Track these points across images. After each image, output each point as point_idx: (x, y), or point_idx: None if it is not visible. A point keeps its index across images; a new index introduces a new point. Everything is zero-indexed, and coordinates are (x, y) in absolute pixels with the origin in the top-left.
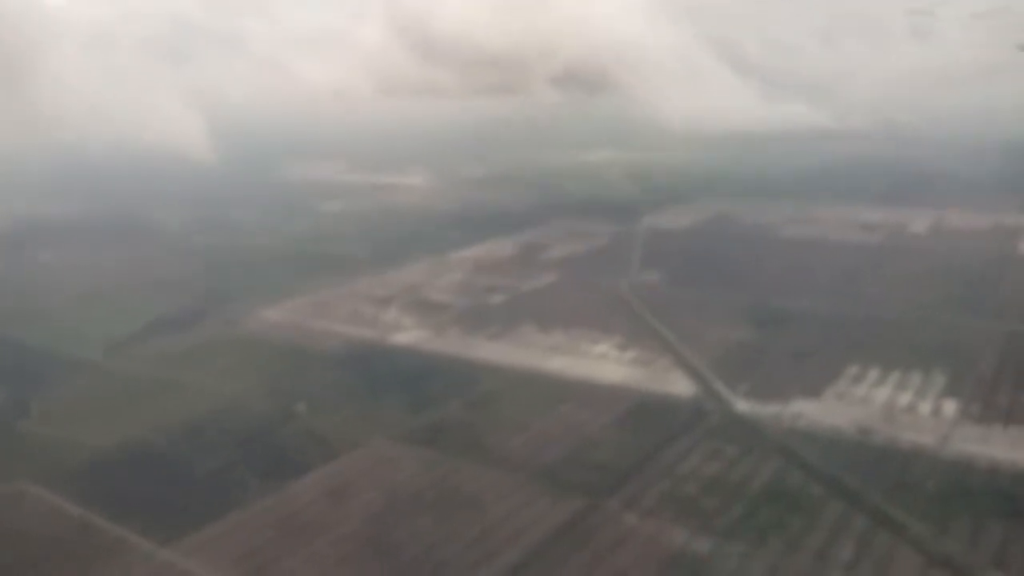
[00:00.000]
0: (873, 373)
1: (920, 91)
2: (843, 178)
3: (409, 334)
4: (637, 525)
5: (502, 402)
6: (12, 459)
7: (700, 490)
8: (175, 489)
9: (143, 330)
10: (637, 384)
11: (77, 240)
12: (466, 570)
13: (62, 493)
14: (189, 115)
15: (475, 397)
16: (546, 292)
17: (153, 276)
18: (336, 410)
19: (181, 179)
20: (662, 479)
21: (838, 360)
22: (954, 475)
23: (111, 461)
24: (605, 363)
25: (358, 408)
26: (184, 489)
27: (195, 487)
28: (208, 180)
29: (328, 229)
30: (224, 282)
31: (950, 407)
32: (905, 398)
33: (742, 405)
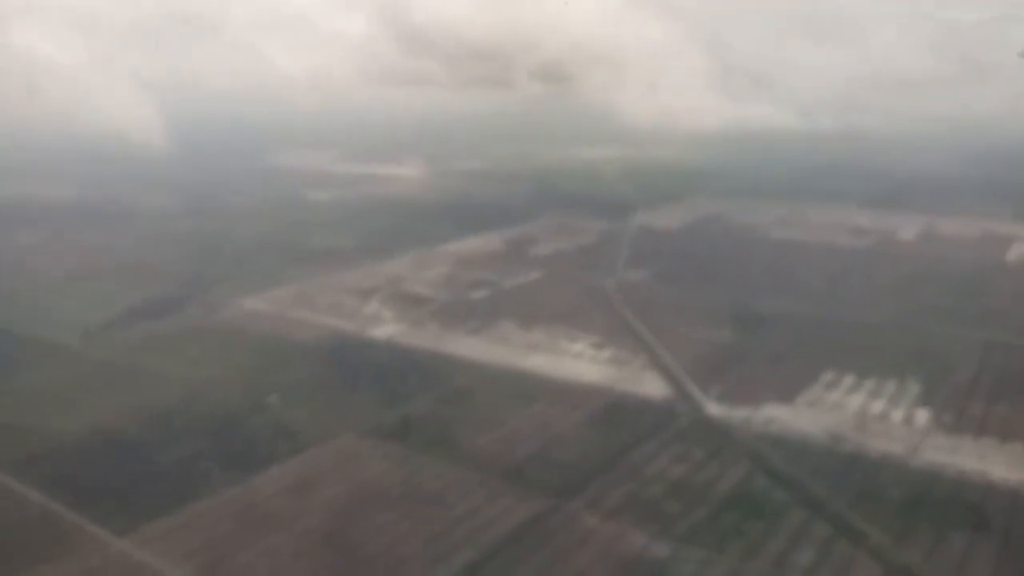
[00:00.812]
0: (848, 380)
1: (879, 95)
2: (837, 180)
3: (388, 327)
4: (597, 527)
5: (474, 399)
6: None
7: (664, 493)
8: (138, 478)
9: (122, 316)
10: (610, 384)
11: (61, 223)
12: (422, 567)
13: (24, 480)
14: (141, 101)
15: (447, 393)
16: (529, 288)
17: (136, 261)
18: (307, 403)
19: (171, 165)
20: (627, 481)
21: (814, 365)
22: (920, 485)
23: (76, 448)
24: (581, 362)
25: (329, 401)
26: (147, 478)
27: (158, 476)
28: (198, 167)
29: (316, 219)
30: (208, 269)
31: (922, 416)
32: (878, 406)
33: (713, 408)
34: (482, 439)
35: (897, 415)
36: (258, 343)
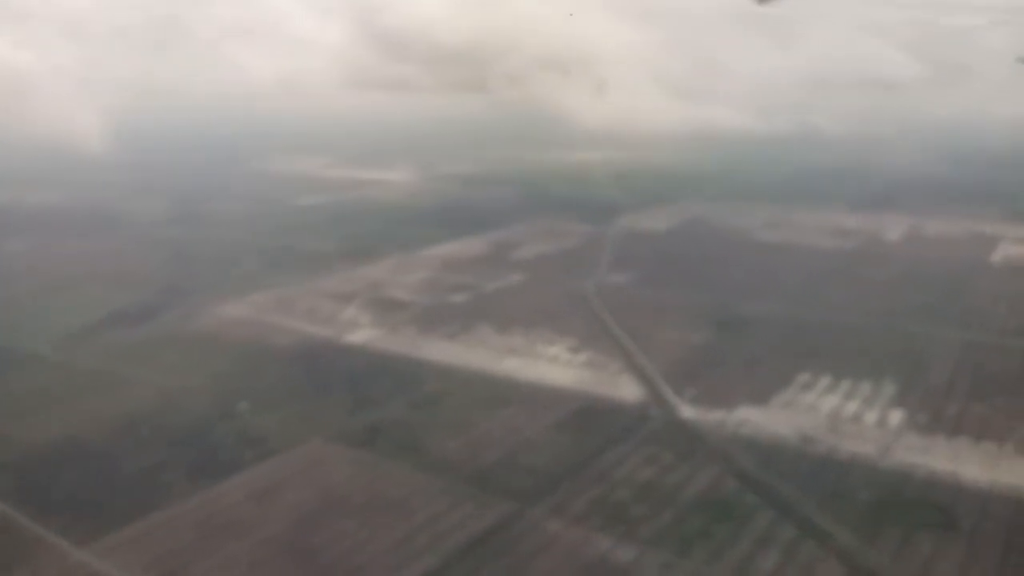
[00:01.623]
0: (824, 381)
1: (834, 97)
2: (826, 182)
3: (364, 332)
4: (561, 532)
5: (445, 404)
6: None
7: (631, 497)
8: (102, 487)
9: (98, 323)
10: (584, 387)
11: (45, 229)
12: (381, 575)
13: None
14: (82, 107)
15: (419, 398)
16: (510, 292)
17: (118, 268)
18: (277, 409)
19: (159, 171)
20: (593, 485)
21: (791, 367)
22: (890, 486)
23: (42, 457)
24: (556, 365)
25: (299, 408)
26: (111, 487)
27: (123, 485)
28: (189, 172)
29: (302, 224)
30: (189, 276)
31: (896, 417)
32: (852, 407)
33: (687, 411)
34: (450, 444)
35: (871, 416)
36: (233, 349)
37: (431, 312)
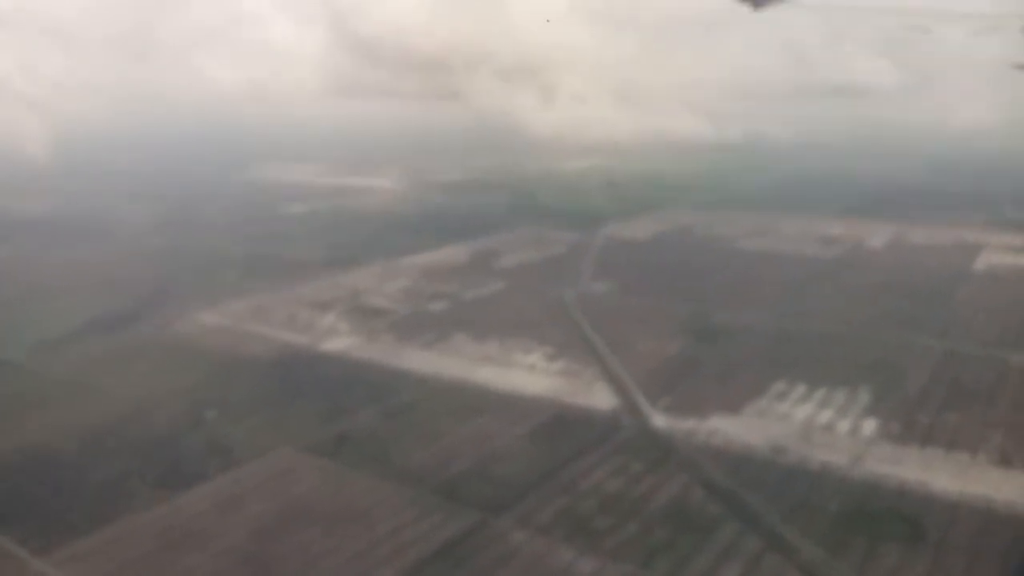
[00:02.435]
0: (799, 390)
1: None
2: (817, 189)
3: (341, 341)
4: (524, 543)
5: (417, 413)
6: None
7: (597, 507)
8: (65, 497)
9: (75, 331)
10: (558, 396)
11: (30, 236)
12: None
13: None
14: (27, 115)
15: (391, 407)
16: (490, 300)
17: (100, 276)
18: (247, 418)
19: (147, 177)
20: (560, 495)
21: (767, 376)
22: (859, 496)
23: (5, 466)
24: (531, 374)
25: (270, 417)
26: (74, 497)
27: (86, 495)
28: (178, 180)
29: (287, 231)
30: (169, 283)
31: (869, 426)
32: (825, 416)
33: (659, 420)
34: (420, 454)
35: (844, 425)
36: (207, 358)
37: (410, 320)
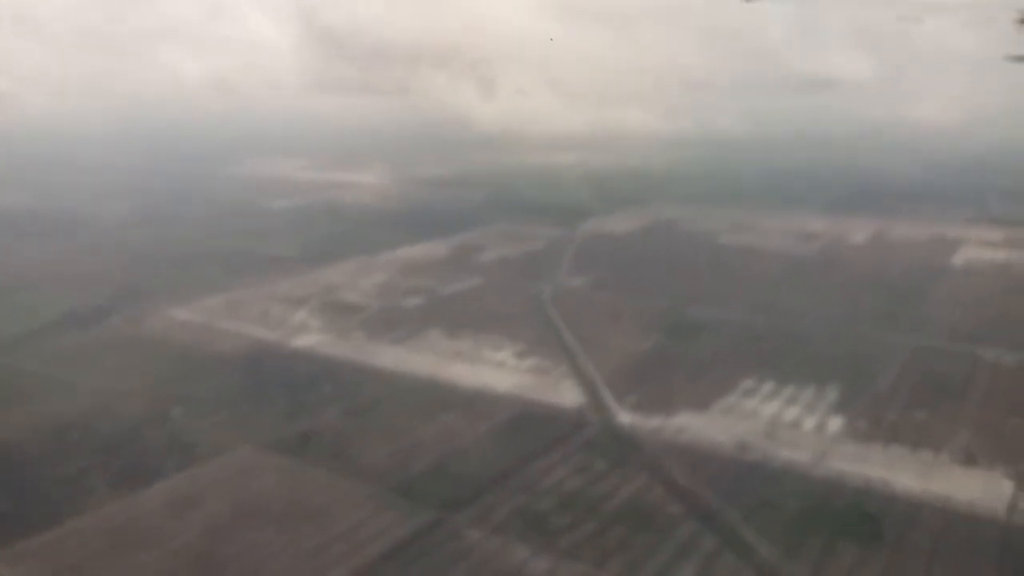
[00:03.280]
0: (767, 387)
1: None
2: (795, 184)
3: (311, 337)
4: (479, 542)
5: (383, 410)
6: None
7: (555, 506)
8: (21, 493)
9: (47, 326)
10: (525, 393)
11: (2, 230)
12: None
13: None
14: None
15: (356, 405)
16: (466, 296)
17: (75, 270)
18: (211, 415)
19: (134, 172)
20: (519, 494)
21: (736, 372)
22: (820, 495)
23: None
24: (501, 371)
25: (234, 413)
26: (31, 494)
27: (43, 492)
28: (156, 175)
29: (266, 227)
30: (145, 278)
31: (835, 424)
32: (792, 413)
33: (625, 417)
34: (381, 452)
35: (810, 422)
36: (177, 354)
37: (383, 316)
